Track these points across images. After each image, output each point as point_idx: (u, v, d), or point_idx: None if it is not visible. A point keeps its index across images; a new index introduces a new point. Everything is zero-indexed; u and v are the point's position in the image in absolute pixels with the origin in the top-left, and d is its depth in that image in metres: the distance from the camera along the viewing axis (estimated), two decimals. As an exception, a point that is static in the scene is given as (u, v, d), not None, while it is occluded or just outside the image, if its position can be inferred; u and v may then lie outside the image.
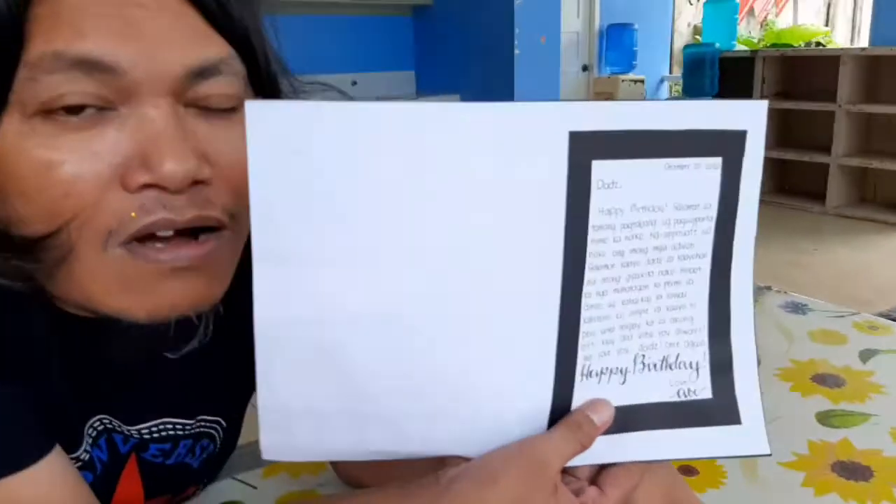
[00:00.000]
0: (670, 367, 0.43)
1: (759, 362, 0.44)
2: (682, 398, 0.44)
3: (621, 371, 0.42)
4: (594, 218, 0.39)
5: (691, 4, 5.95)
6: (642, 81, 5.09)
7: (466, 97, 2.63)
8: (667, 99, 2.98)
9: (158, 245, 0.42)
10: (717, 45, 4.64)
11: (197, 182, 0.41)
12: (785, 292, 1.08)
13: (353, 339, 0.38)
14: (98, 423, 0.50)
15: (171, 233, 0.42)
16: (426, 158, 0.37)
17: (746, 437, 0.44)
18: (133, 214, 0.40)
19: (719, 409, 0.44)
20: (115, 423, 0.51)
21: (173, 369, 0.51)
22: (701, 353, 0.43)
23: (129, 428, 0.52)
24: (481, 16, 2.45)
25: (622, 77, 5.09)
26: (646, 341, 0.42)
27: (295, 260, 0.36)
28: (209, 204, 0.42)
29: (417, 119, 0.36)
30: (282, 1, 3.74)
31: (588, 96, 5.21)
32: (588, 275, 0.40)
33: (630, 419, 0.43)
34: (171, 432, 0.54)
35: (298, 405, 0.39)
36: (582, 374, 0.41)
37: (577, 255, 0.39)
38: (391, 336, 0.38)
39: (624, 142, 0.39)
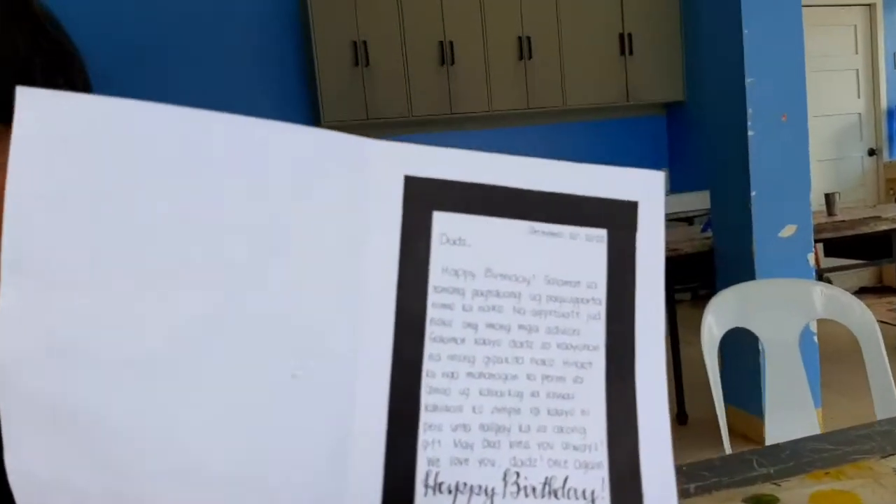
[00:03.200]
0: (555, 495, 0.34)
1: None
2: None
3: (486, 491, 0.33)
4: (436, 277, 0.33)
5: None
6: (947, 162, 4.39)
7: (715, 192, 2.46)
8: None
9: None
10: None
11: None
12: None
13: (105, 394, 0.30)
14: None
15: None
16: (213, 176, 0.31)
17: None
18: None
19: None
20: None
21: None
22: (598, 480, 0.34)
23: None
24: (725, 105, 2.32)
25: (920, 159, 4.43)
26: (520, 454, 0.34)
27: (47, 276, 0.29)
28: None
29: (205, 129, 0.31)
30: (551, 111, 3.97)
31: (878, 183, 4.62)
32: (429, 346, 0.33)
33: None
34: None
35: (48, 477, 0.30)
36: (427, 485, 0.33)
37: (412, 319, 0.33)
38: (155, 394, 0.30)
39: (474, 194, 0.34)
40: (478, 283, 0.34)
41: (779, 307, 1.43)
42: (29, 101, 0.30)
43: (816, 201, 2.60)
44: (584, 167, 0.36)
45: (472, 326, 0.34)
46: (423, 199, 0.33)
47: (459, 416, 0.33)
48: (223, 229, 0.31)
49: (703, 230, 2.93)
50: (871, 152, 4.65)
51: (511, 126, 4.14)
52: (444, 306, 0.33)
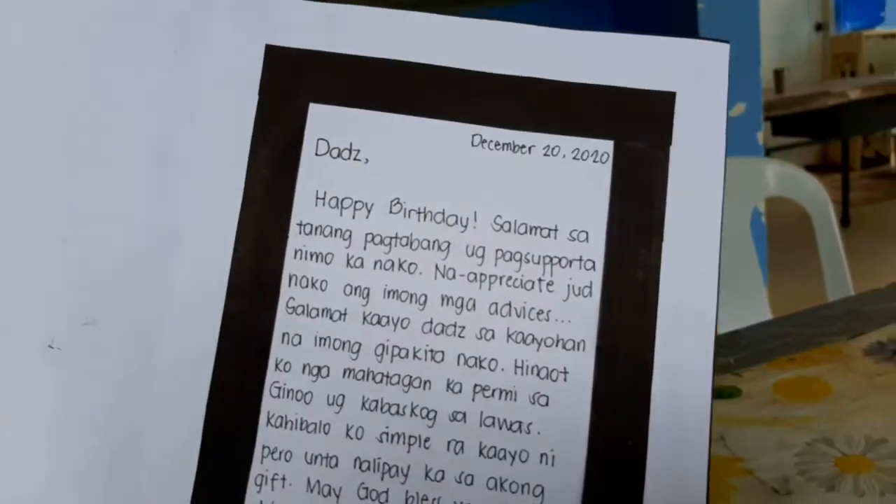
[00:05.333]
0: None
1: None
2: None
3: None
4: (303, 210, 0.22)
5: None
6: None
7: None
8: None
9: None
10: None
11: None
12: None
13: None
14: None
15: None
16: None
17: None
18: None
19: None
20: None
21: None
22: None
23: None
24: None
25: (866, 33, 4.35)
26: None
27: None
28: None
29: None
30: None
31: (826, 61, 4.59)
32: (283, 322, 0.22)
33: None
34: None
35: None
36: None
37: (257, 276, 0.22)
38: None
39: (379, 78, 0.22)
40: (376, 222, 0.22)
41: (732, 186, 1.39)
42: None
43: (765, 79, 2.56)
44: (569, 33, 0.23)
45: (361, 293, 0.22)
46: (293, 83, 0.22)
47: (323, 442, 0.21)
48: None
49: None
50: (819, 27, 4.60)
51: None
52: (315, 257, 0.22)
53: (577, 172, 0.22)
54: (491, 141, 0.22)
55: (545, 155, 0.22)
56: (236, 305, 0.22)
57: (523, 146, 0.22)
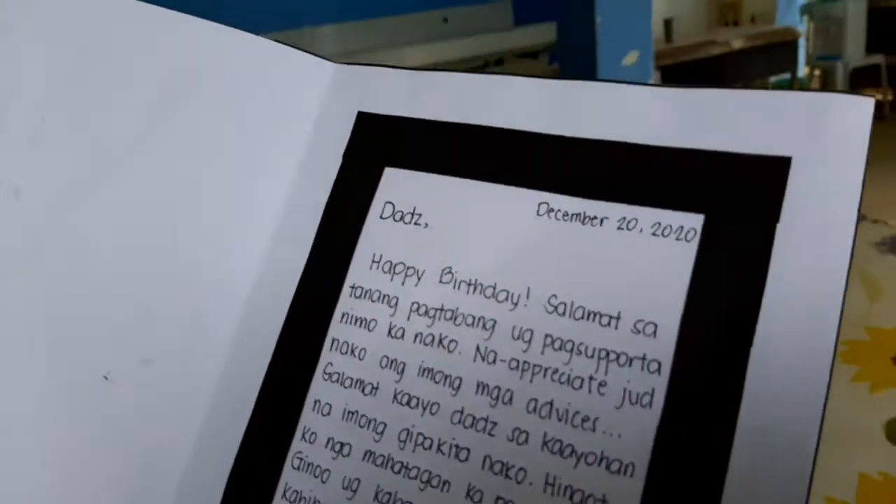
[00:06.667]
0: None
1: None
2: None
3: None
4: (357, 273, 0.21)
5: None
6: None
7: (564, 26, 2.45)
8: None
9: None
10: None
11: None
12: (885, 223, 0.77)
13: None
14: None
15: None
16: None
17: None
18: None
19: None
20: None
21: None
22: None
23: None
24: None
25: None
26: None
27: None
28: None
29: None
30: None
31: (711, 11, 4.77)
32: (317, 388, 0.21)
33: None
34: None
35: None
36: None
37: (301, 336, 0.21)
38: None
39: (451, 141, 0.21)
40: (424, 291, 0.20)
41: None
42: None
43: (655, 29, 2.66)
44: (655, 90, 0.20)
45: (396, 367, 0.20)
46: (375, 147, 0.22)
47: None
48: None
49: (551, 63, 2.95)
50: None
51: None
52: (360, 322, 0.21)
53: (655, 251, 0.18)
54: (559, 210, 0.19)
55: (619, 228, 0.19)
56: (279, 363, 0.21)
57: (595, 217, 0.19)
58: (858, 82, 4.17)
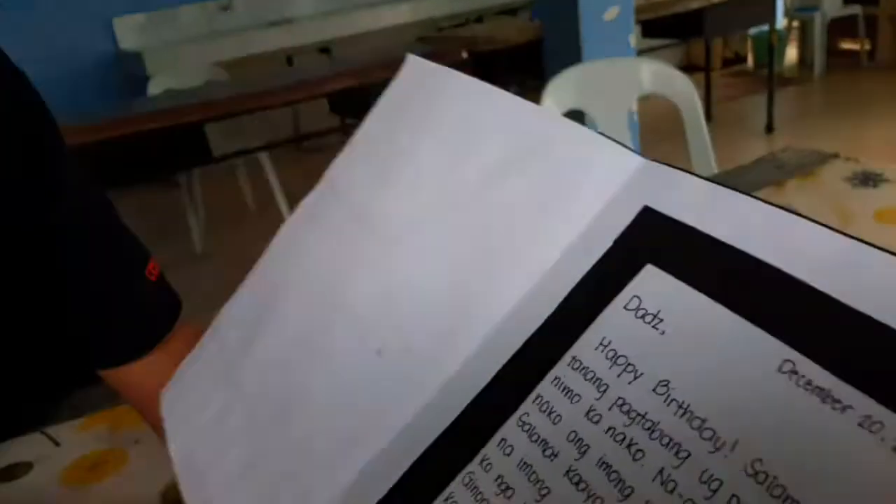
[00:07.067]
0: None
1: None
2: None
3: None
4: (582, 349, 0.21)
5: None
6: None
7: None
8: None
9: None
10: None
11: None
12: (857, 160, 0.85)
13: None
14: None
15: None
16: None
17: None
18: None
19: None
20: None
21: None
22: None
23: None
24: None
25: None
26: None
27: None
28: None
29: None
30: None
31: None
32: (510, 427, 0.22)
33: None
34: None
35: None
36: None
37: (524, 378, 0.22)
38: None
39: (716, 262, 0.20)
40: (634, 392, 0.19)
41: (610, 86, 1.49)
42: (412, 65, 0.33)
43: (635, -18, 2.66)
44: None
45: (580, 448, 0.20)
46: (645, 242, 0.22)
47: None
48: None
49: (532, 19, 2.94)
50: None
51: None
52: (566, 391, 0.21)
53: (891, 468, 0.15)
54: (802, 376, 0.17)
55: (859, 425, 0.15)
56: (491, 391, 0.23)
57: (838, 402, 0.16)
58: (836, 33, 4.20)
